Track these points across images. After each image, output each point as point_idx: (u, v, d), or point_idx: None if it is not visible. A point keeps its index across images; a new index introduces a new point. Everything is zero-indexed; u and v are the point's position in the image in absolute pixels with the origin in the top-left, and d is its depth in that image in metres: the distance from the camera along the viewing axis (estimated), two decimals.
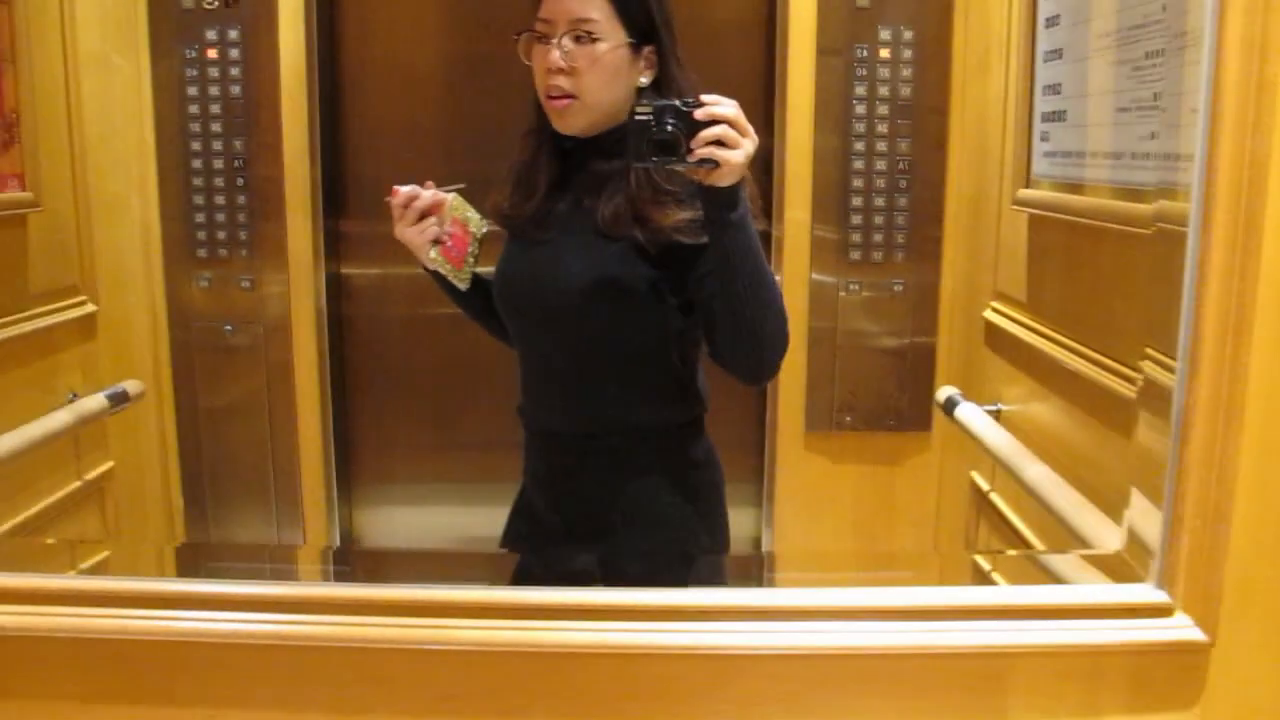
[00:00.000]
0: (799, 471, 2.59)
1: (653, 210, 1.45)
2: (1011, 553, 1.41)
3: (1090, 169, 1.68)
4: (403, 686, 0.87)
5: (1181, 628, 0.84)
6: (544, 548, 1.64)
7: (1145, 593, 0.85)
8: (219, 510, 2.66)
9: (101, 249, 2.44)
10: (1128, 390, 1.56)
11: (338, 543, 2.71)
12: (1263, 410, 0.81)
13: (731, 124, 1.33)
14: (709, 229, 1.40)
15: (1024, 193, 1.93)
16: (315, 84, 2.50)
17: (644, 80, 1.52)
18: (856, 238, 2.48)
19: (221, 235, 2.54)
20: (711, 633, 0.85)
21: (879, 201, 2.47)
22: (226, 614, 0.92)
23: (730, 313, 1.42)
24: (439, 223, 1.57)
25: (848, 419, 2.56)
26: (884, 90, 2.43)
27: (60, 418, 2.16)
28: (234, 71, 2.48)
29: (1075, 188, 1.74)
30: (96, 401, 2.27)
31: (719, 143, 1.32)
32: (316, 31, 2.49)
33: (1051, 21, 1.84)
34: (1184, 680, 0.85)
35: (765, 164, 2.53)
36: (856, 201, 2.47)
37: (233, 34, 2.46)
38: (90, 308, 2.39)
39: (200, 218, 2.54)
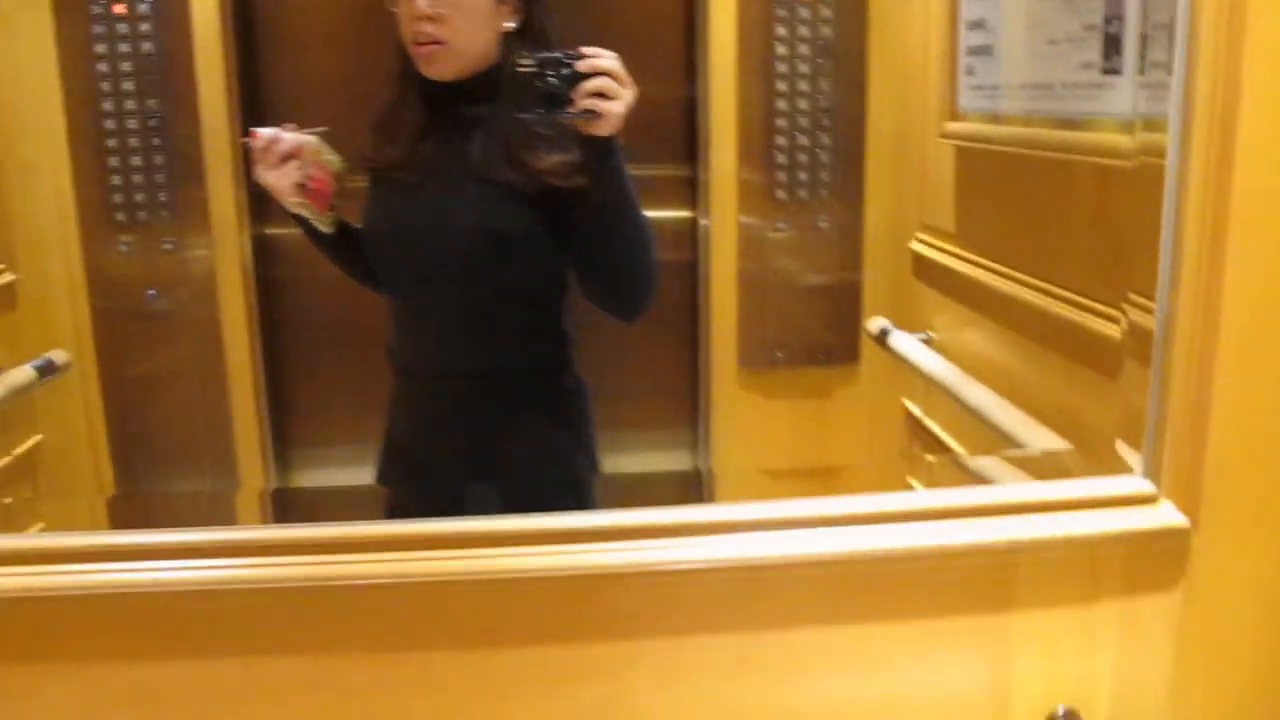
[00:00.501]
0: (734, 409, 2.65)
1: (525, 154, 1.51)
2: (1013, 453, 1.47)
3: (1020, 100, 1.75)
4: (346, 624, 0.89)
5: (1166, 514, 0.91)
6: (438, 488, 1.66)
7: (1134, 484, 0.92)
8: (151, 479, 2.62)
9: (16, 216, 2.36)
10: (1064, 311, 1.65)
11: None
12: (1236, 320, 0.88)
13: (612, 75, 1.39)
14: (588, 176, 1.48)
15: (951, 126, 2.00)
16: (231, 38, 2.44)
17: (510, 24, 1.55)
18: (782, 178, 2.53)
19: (140, 198, 2.48)
20: (679, 548, 0.88)
21: (803, 141, 2.52)
22: (166, 563, 0.91)
23: (608, 254, 1.52)
24: (301, 166, 1.57)
25: (779, 355, 2.62)
26: (804, 31, 2.47)
27: None
28: (144, 27, 2.40)
29: (1005, 119, 1.81)
30: (24, 374, 2.21)
31: (600, 94, 1.37)
32: None
33: None
34: (1168, 562, 0.92)
35: (689, 110, 2.57)
36: (781, 142, 2.52)
37: None
38: (9, 277, 2.32)
39: (117, 180, 2.46)
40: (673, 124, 2.62)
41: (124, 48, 2.41)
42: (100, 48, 2.40)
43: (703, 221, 2.57)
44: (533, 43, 1.54)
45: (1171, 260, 0.87)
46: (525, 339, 1.63)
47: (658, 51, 2.59)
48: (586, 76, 1.39)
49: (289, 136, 1.56)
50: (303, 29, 2.57)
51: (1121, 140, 1.45)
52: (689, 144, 2.60)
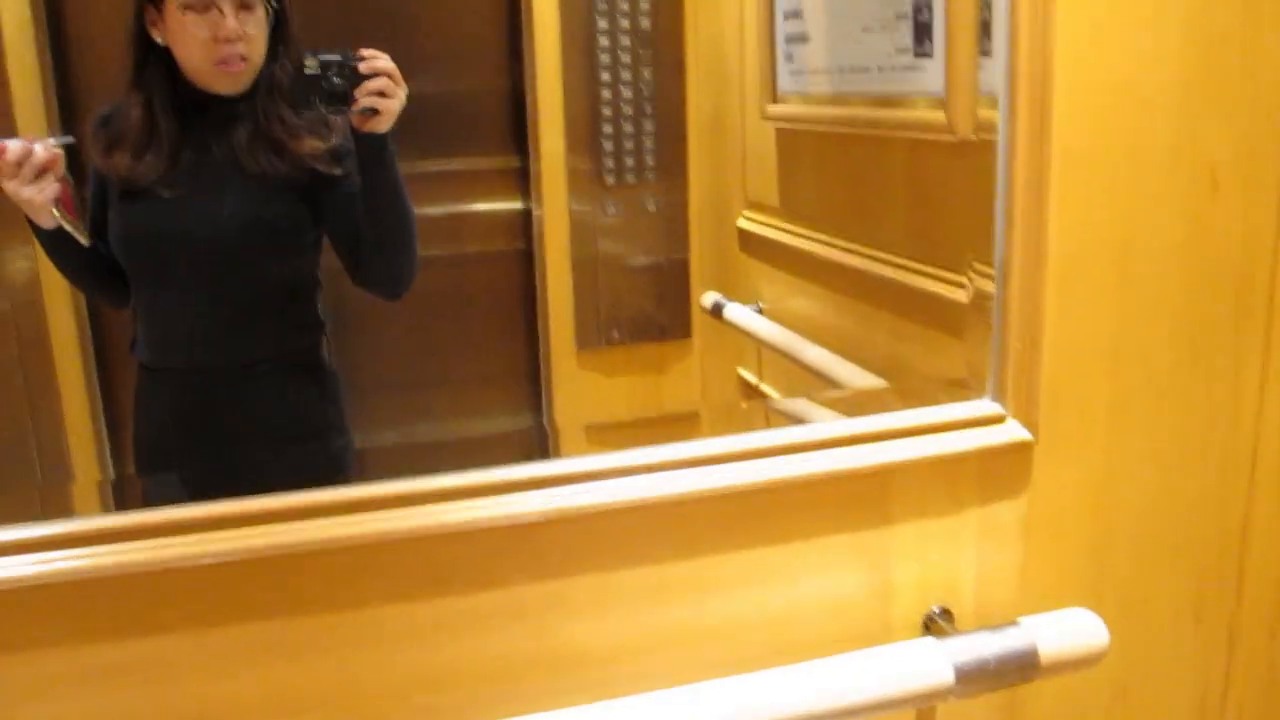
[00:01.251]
0: (573, 389, 2.75)
1: (288, 141, 1.60)
2: (832, 394, 1.61)
3: (837, 83, 1.90)
4: (165, 607, 0.91)
5: (1012, 431, 1.06)
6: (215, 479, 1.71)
7: (985, 406, 1.06)
8: None
9: None
10: (888, 272, 1.81)
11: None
12: (1059, 262, 1.03)
13: (389, 76, 1.50)
14: (363, 171, 1.61)
15: (772, 108, 2.14)
16: (44, 36, 2.37)
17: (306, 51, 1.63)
18: (609, 163, 2.64)
19: None
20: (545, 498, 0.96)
21: (627, 128, 2.63)
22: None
23: (382, 244, 1.66)
24: (55, 178, 1.56)
25: (615, 334, 2.73)
26: (624, 22, 2.58)
27: None
28: None
29: (824, 100, 1.96)
30: None
31: (380, 93, 1.49)
32: None
33: None
34: (1016, 474, 1.07)
35: (517, 100, 2.64)
36: (606, 129, 2.62)
37: None
38: None
39: None
40: (501, 116, 2.69)
41: None
42: None
43: (535, 211, 2.65)
44: (283, 42, 1.62)
45: (1005, 214, 1.02)
46: (287, 329, 1.72)
47: (483, 45, 2.65)
48: (367, 77, 1.50)
49: (40, 148, 1.53)
50: (114, 15, 2.51)
51: (934, 116, 1.61)
52: (518, 135, 2.67)
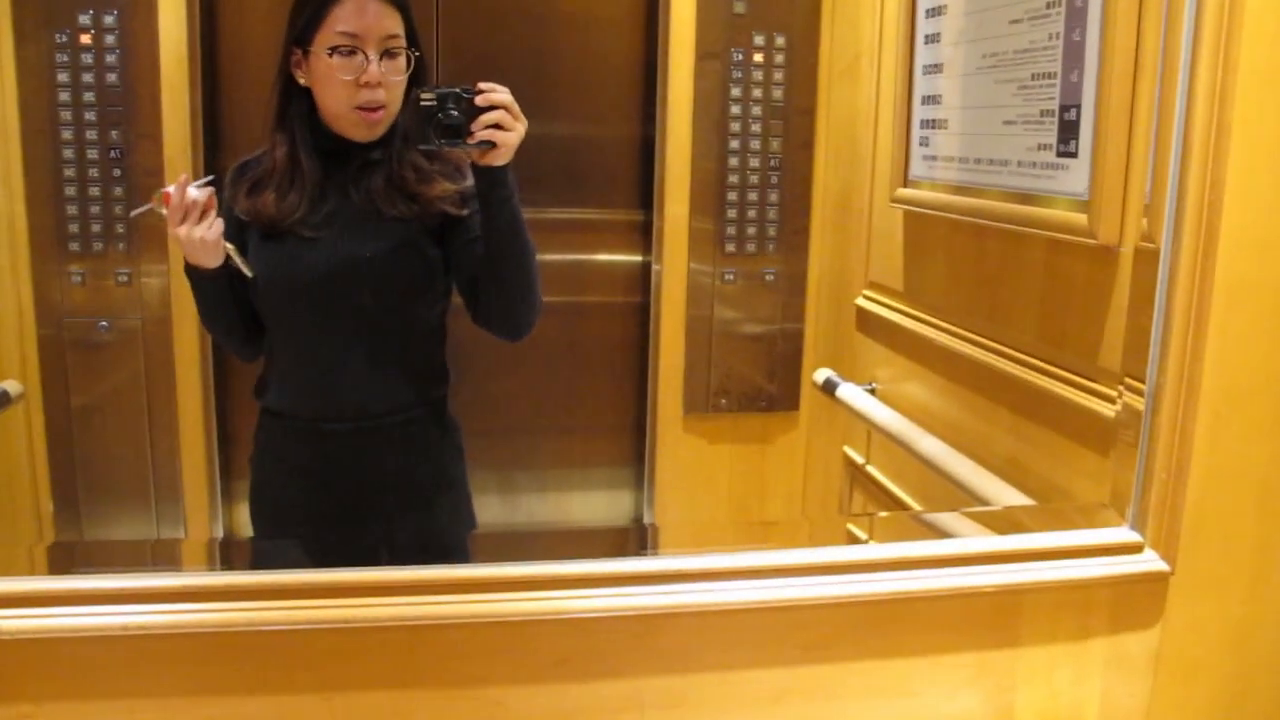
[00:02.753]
0: (677, 452, 2.74)
1: (420, 186, 1.61)
2: (995, 507, 1.59)
3: (975, 174, 1.89)
4: (295, 668, 0.93)
5: (1149, 561, 1.03)
6: (336, 532, 1.71)
7: (1122, 534, 1.03)
8: (94, 512, 2.59)
9: None
10: (1015, 370, 1.78)
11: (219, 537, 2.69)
12: (1214, 393, 1.00)
13: (507, 109, 1.49)
14: (482, 205, 1.57)
15: (903, 192, 2.13)
16: (197, 72, 2.47)
17: (419, 86, 1.63)
18: (731, 230, 2.65)
19: (96, 228, 2.48)
20: (656, 594, 0.96)
21: (752, 196, 2.64)
22: (100, 608, 0.94)
23: (500, 279, 1.61)
24: (217, 216, 1.57)
25: (723, 401, 2.73)
26: (757, 92, 2.60)
27: None
28: (110, 59, 2.42)
29: (957, 189, 1.95)
30: None
31: (497, 126, 1.48)
32: (199, 18, 2.46)
33: (931, 39, 2.04)
34: (1150, 605, 1.04)
35: (646, 159, 2.67)
36: (731, 196, 2.63)
37: (109, 19, 2.40)
38: None
39: (73, 210, 2.46)
40: (631, 173, 2.72)
41: (88, 78, 2.42)
42: (63, 76, 2.41)
43: (655, 266, 2.67)
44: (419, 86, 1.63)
45: (1161, 337, 0.99)
46: (416, 378, 1.70)
47: (619, 105, 2.70)
48: (484, 110, 1.49)
49: (199, 191, 1.54)
50: (264, 62, 2.59)
51: (1075, 218, 1.59)
52: (645, 191, 2.70)
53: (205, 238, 1.53)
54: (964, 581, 0.98)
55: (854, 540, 1.56)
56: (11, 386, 2.32)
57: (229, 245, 1.56)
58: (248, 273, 1.58)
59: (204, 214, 1.53)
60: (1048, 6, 1.66)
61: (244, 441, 2.64)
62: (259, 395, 1.70)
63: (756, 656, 0.95)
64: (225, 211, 1.65)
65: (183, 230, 1.53)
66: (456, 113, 1.49)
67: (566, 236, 2.75)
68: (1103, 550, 1.03)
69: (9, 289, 2.45)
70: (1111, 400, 1.49)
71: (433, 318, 1.70)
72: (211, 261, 1.56)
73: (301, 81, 1.61)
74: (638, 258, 2.77)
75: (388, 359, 1.64)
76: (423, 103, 1.50)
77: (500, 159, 1.52)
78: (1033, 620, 1.02)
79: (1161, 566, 1.03)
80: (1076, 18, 1.59)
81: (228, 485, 2.68)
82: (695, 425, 2.73)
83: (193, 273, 1.61)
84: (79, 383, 2.54)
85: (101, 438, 2.56)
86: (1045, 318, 1.72)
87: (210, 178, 1.60)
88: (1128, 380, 1.07)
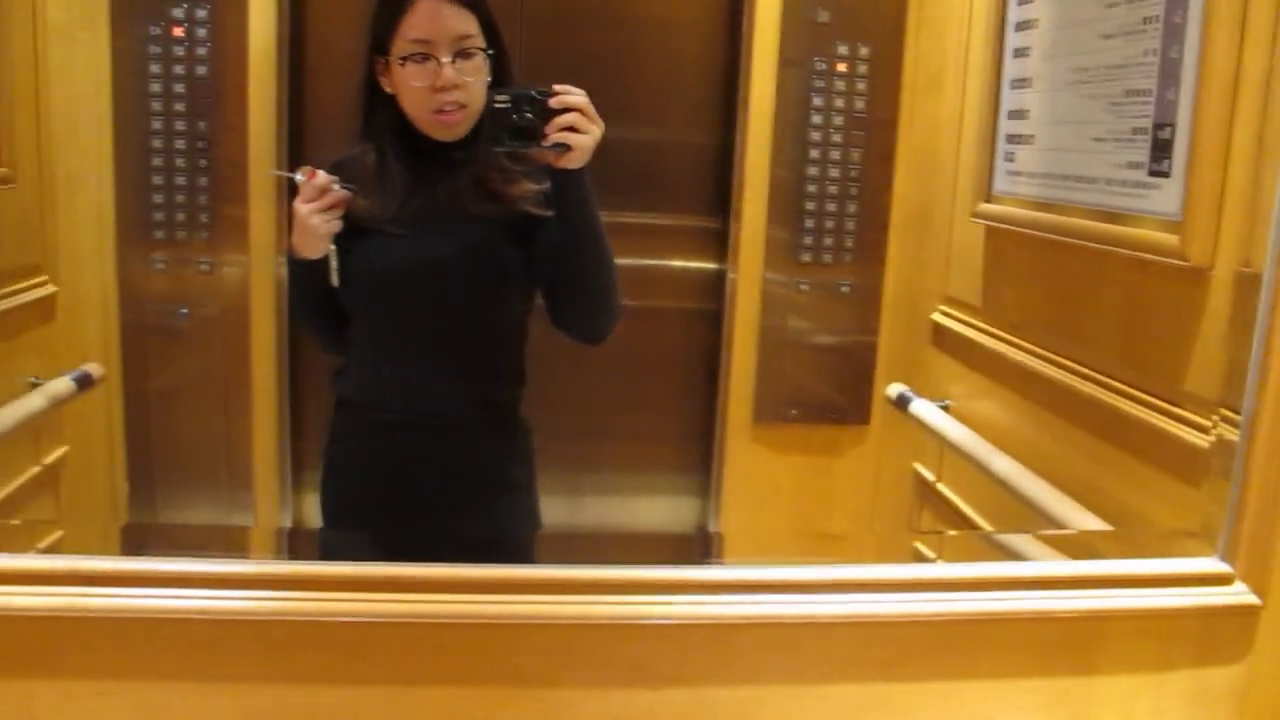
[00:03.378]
0: (745, 462, 2.73)
1: (503, 186, 1.61)
2: (1070, 531, 1.56)
3: (1061, 190, 1.85)
4: (363, 659, 0.93)
5: (1239, 594, 0.99)
6: (403, 526, 1.70)
7: (1211, 565, 1.00)
8: (168, 496, 2.64)
9: (59, 228, 2.40)
10: (1096, 392, 1.74)
11: (289, 528, 2.72)
12: None
13: (582, 111, 1.47)
14: (557, 209, 1.56)
15: (985, 206, 2.10)
16: (284, 67, 2.50)
17: (488, 78, 1.63)
18: (808, 240, 2.63)
19: (180, 217, 2.52)
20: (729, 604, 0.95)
21: (830, 206, 2.62)
22: (175, 590, 0.96)
23: (578, 282, 1.61)
24: (338, 216, 1.59)
25: (793, 412, 2.71)
26: (839, 102, 2.58)
27: (34, 401, 2.13)
28: (200, 51, 2.46)
29: (1042, 205, 1.91)
30: (64, 385, 2.24)
31: (571, 128, 1.46)
32: (288, 13, 2.50)
33: (1020, 52, 2.01)
34: (1238, 639, 1.01)
35: (724, 165, 2.67)
36: (809, 205, 2.61)
37: (201, 13, 2.45)
38: (51, 288, 2.35)
39: (159, 198, 2.51)
40: (708, 179, 2.72)
41: (178, 69, 2.47)
42: (155, 68, 2.46)
43: (730, 274, 2.66)
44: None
45: (1260, 365, 0.96)
46: (494, 377, 1.70)
47: (698, 110, 2.69)
48: (558, 112, 1.48)
49: (337, 187, 1.58)
50: (351, 59, 2.62)
51: (1165, 238, 1.55)
52: (721, 197, 2.69)
53: (318, 227, 1.56)
54: (1043, 605, 0.96)
55: (921, 558, 1.54)
56: (93, 369, 2.37)
57: (332, 246, 1.58)
58: (334, 281, 1.61)
59: (332, 206, 1.55)
60: (1144, 22, 1.62)
61: (315, 433, 2.67)
62: (336, 385, 1.72)
63: (829, 671, 0.94)
64: None
65: (305, 209, 1.56)
66: (530, 115, 1.48)
67: (641, 241, 2.75)
68: (1190, 580, 1.00)
69: (95, 273, 2.51)
70: (1197, 427, 1.46)
71: (514, 318, 1.70)
72: (313, 252, 1.59)
73: (386, 88, 1.62)
74: (712, 265, 2.76)
75: (465, 357, 1.65)
76: (497, 104, 1.49)
77: (574, 162, 1.51)
78: (1112, 648, 0.99)
79: (1252, 600, 1.00)
80: (1174, 34, 1.55)
81: (298, 475, 2.72)
82: (764, 435, 2.71)
83: (294, 260, 1.64)
84: (158, 368, 2.59)
85: (177, 422, 2.61)
86: (1129, 340, 1.68)
87: (353, 187, 1.62)
88: (1223, 411, 1.04)
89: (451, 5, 1.57)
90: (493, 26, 1.62)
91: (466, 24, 1.58)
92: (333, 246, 1.59)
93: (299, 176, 1.59)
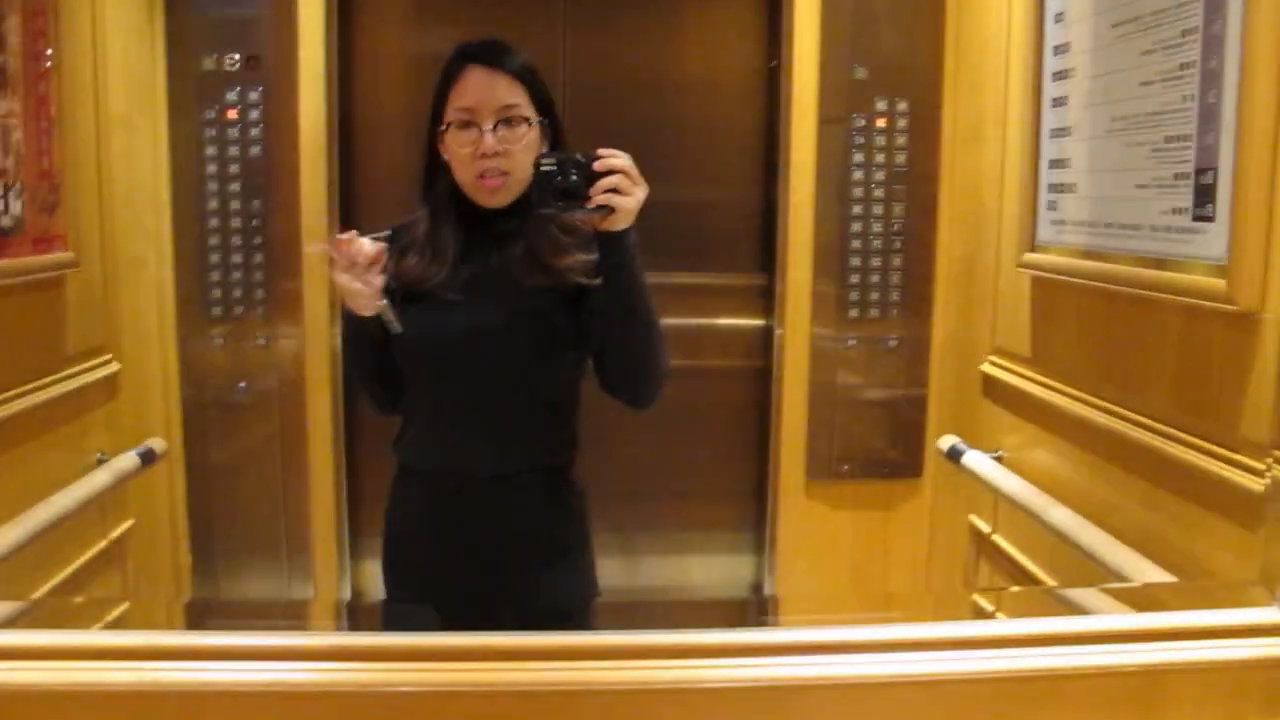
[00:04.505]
0: (799, 518, 2.72)
1: (552, 258, 1.62)
2: (1134, 584, 1.54)
3: (1106, 238, 1.85)
4: None
5: None
6: (462, 591, 1.71)
7: (1273, 614, 0.99)
8: (229, 567, 2.68)
9: (122, 308, 2.47)
10: (1150, 440, 1.73)
11: (348, 597, 2.74)
12: None
13: (625, 174, 1.49)
14: (604, 270, 1.57)
15: (1030, 256, 2.10)
16: (334, 145, 2.57)
17: (543, 149, 1.65)
18: (854, 295, 2.64)
19: (237, 293, 2.59)
20: (779, 666, 0.95)
21: (875, 261, 2.63)
22: (240, 664, 0.97)
23: (625, 345, 1.61)
24: (380, 270, 1.59)
25: (845, 468, 2.70)
26: (880, 157, 2.60)
27: (101, 477, 2.18)
28: (254, 132, 2.54)
29: (1087, 253, 1.91)
30: (129, 460, 2.29)
31: (615, 191, 1.48)
32: (337, 96, 2.57)
33: (1059, 102, 2.02)
34: None
35: (768, 223, 2.69)
36: (854, 261, 2.63)
37: (253, 95, 2.52)
38: (115, 366, 2.41)
39: (215, 276, 2.58)
40: (753, 237, 2.74)
41: (233, 151, 2.54)
42: (211, 150, 2.54)
43: (777, 330, 2.67)
44: None
45: None
46: (548, 443, 1.72)
47: (741, 169, 2.73)
48: (602, 174, 1.50)
49: (370, 243, 1.58)
50: (397, 132, 2.69)
51: (1213, 284, 1.54)
52: (767, 254, 2.72)
53: (361, 290, 1.58)
54: (1105, 660, 0.95)
55: (981, 613, 1.53)
56: (157, 444, 2.42)
57: (384, 302, 1.61)
58: (397, 328, 1.63)
59: (370, 265, 1.59)
60: (1181, 68, 1.63)
61: (373, 500, 2.71)
62: (395, 447, 1.75)
63: None
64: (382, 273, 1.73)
65: (343, 277, 1.59)
66: (576, 177, 1.51)
67: (688, 300, 2.77)
68: (1252, 631, 0.99)
69: (156, 351, 2.57)
70: (1253, 471, 1.44)
71: (566, 385, 1.72)
72: (364, 310, 1.61)
73: (443, 155, 1.67)
74: (760, 322, 2.77)
75: (516, 423, 1.67)
76: (543, 167, 1.52)
77: (619, 223, 1.53)
78: (1177, 703, 0.98)
79: None
80: (1211, 80, 1.56)
81: (356, 542, 2.75)
82: (817, 491, 2.71)
83: (347, 319, 1.67)
84: (218, 441, 2.64)
85: (238, 494, 2.65)
86: (1181, 385, 1.67)
87: (389, 233, 1.66)
88: (1276, 453, 1.03)
89: (499, 75, 1.61)
90: (544, 97, 1.66)
91: (512, 94, 1.62)
92: (385, 301, 1.61)
93: (330, 250, 1.61)
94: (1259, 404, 1.44)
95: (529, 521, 1.70)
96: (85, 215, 2.25)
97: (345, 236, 1.60)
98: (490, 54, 1.62)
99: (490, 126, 1.60)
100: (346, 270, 1.59)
